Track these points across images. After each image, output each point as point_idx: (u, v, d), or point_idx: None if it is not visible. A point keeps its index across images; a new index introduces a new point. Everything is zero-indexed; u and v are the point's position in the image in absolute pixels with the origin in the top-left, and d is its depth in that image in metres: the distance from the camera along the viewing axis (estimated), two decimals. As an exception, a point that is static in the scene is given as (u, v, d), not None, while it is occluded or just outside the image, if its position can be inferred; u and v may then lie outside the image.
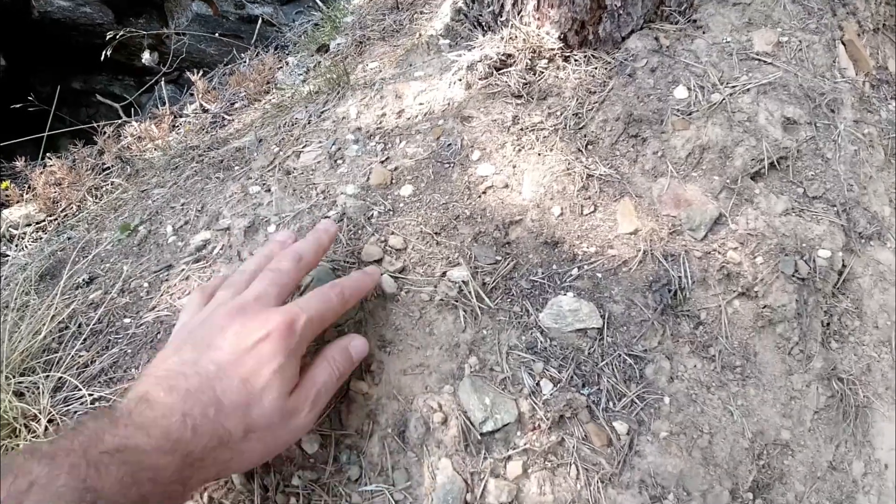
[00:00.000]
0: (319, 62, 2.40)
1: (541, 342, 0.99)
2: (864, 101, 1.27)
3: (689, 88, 1.18)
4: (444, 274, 1.05)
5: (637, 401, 0.96)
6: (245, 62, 3.53)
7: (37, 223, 3.23)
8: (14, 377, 1.08)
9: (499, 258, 1.07)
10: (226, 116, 3.09)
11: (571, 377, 0.97)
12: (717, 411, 0.98)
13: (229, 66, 3.71)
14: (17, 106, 3.34)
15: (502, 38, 1.38)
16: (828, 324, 1.09)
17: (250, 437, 0.72)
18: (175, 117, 3.42)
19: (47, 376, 1.08)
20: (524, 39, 1.35)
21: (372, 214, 1.16)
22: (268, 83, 3.12)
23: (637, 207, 1.09)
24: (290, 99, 2.07)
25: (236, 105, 3.14)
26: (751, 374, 1.00)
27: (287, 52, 3.46)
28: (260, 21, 3.75)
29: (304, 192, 1.29)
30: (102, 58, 2.99)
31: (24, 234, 3.22)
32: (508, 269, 1.06)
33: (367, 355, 0.97)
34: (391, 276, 1.06)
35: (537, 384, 0.96)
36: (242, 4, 4.09)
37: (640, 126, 1.17)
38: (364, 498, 0.91)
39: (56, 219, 3.16)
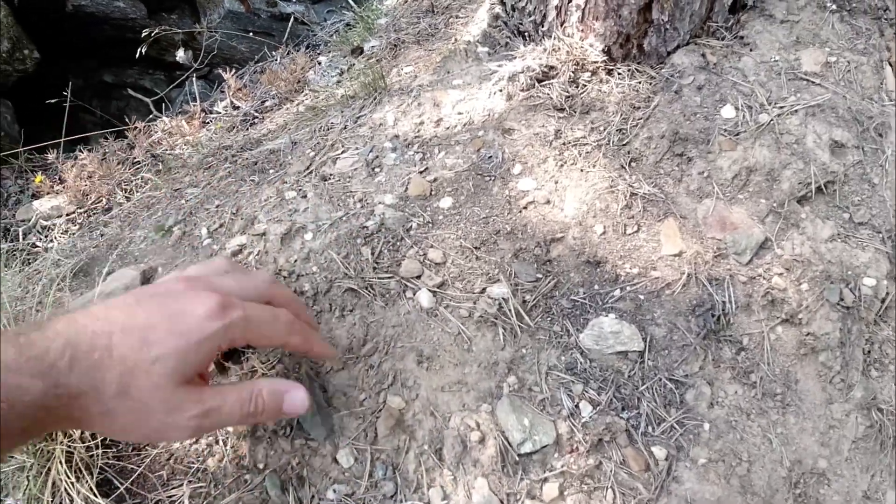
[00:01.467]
0: (353, 64, 2.39)
1: (581, 363, 0.98)
2: (912, 125, 1.25)
3: (736, 108, 1.17)
4: (483, 290, 1.04)
5: (676, 426, 0.94)
6: (277, 60, 3.53)
7: (67, 215, 3.25)
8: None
9: (539, 276, 1.06)
10: (256, 115, 3.10)
11: (611, 400, 0.96)
12: (757, 439, 0.96)
13: (260, 63, 3.72)
14: (52, 101, 3.35)
15: (545, 50, 1.37)
16: (868, 351, 1.07)
17: (123, 402, 0.66)
18: (206, 113, 3.43)
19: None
20: (567, 51, 1.34)
21: (411, 226, 1.15)
22: (299, 82, 3.12)
23: (681, 229, 1.08)
24: (324, 101, 2.07)
25: (267, 103, 3.14)
26: (791, 401, 0.99)
27: (319, 52, 3.46)
28: (292, 19, 3.75)
29: (342, 200, 1.29)
30: (137, 55, 3.00)
31: (55, 225, 3.25)
32: (549, 287, 1.04)
33: (404, 370, 0.97)
34: (430, 290, 1.05)
35: (576, 406, 0.95)
36: (274, 2, 4.09)
37: (685, 145, 1.16)
38: (399, 515, 0.91)
39: (85, 211, 3.19)
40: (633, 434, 0.95)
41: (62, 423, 0.65)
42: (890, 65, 1.31)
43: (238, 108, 3.32)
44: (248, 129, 2.99)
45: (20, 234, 3.22)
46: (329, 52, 3.28)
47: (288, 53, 3.64)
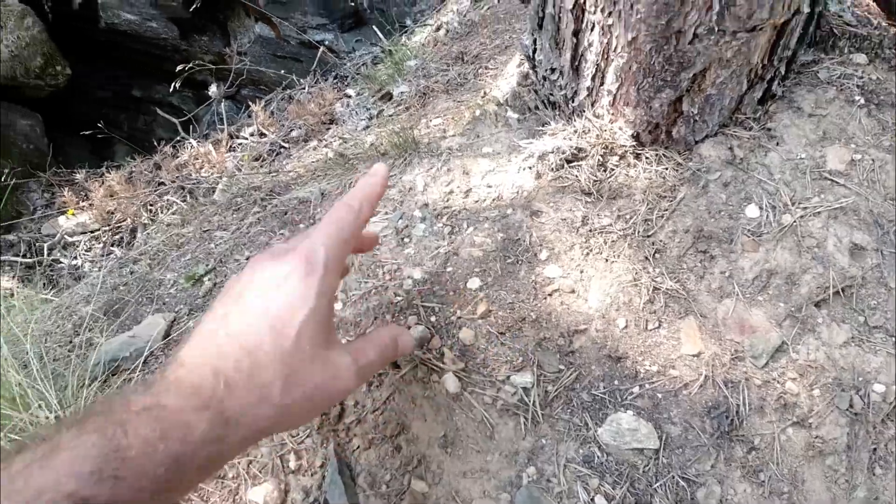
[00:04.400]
0: (382, 110, 2.44)
1: (598, 457, 1.01)
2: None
3: (760, 207, 1.20)
4: (507, 378, 1.08)
5: None
6: (304, 89, 3.59)
7: (91, 232, 3.31)
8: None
9: (562, 367, 1.09)
10: (283, 145, 3.15)
11: (625, 495, 0.99)
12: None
13: (287, 91, 3.78)
14: (86, 133, 3.41)
15: (575, 131, 1.41)
16: (874, 450, 1.10)
17: (292, 390, 0.67)
18: (232, 139, 3.48)
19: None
20: (597, 134, 1.37)
21: (438, 306, 1.19)
22: (326, 114, 3.16)
23: (701, 328, 1.11)
24: (352, 149, 2.11)
25: (293, 133, 3.19)
26: (797, 500, 1.02)
27: (346, 84, 3.52)
28: (321, 49, 3.81)
29: (371, 270, 1.33)
30: (172, 89, 3.06)
31: (79, 241, 3.31)
32: (571, 379, 1.08)
33: (428, 454, 1.00)
34: (456, 375, 1.09)
35: (592, 500, 0.98)
36: (304, 30, 4.15)
37: (709, 242, 1.19)
38: None
39: (110, 229, 3.25)
40: (645, 531, 0.98)
41: (234, 449, 0.65)
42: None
43: (264, 135, 3.37)
44: (274, 160, 3.04)
45: (45, 248, 3.29)
46: (357, 85, 3.34)
47: (316, 82, 3.70)
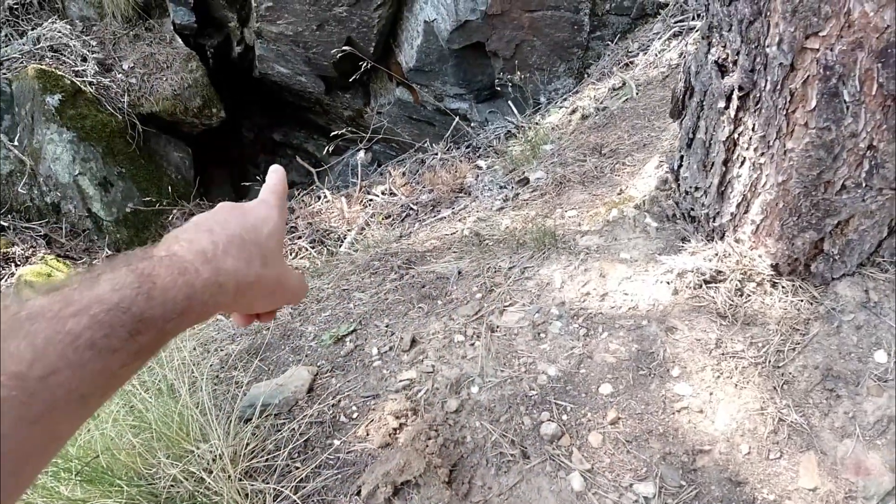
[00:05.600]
0: (518, 193, 2.56)
1: (711, 577, 1.08)
2: None
3: (889, 354, 1.25)
4: (630, 485, 1.16)
5: None
6: (437, 154, 3.75)
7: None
8: (244, 479, 1.25)
9: (683, 483, 1.16)
10: (412, 207, 3.30)
11: None
12: None
13: (419, 153, 3.95)
14: (245, 184, 3.65)
15: (716, 254, 1.49)
16: None
17: (268, 265, 0.78)
18: (365, 194, 3.66)
19: (272, 490, 1.24)
20: (737, 260, 1.45)
21: (571, 406, 1.28)
22: (457, 183, 3.30)
23: (820, 464, 1.17)
24: (487, 228, 2.23)
25: (422, 197, 3.34)
26: None
27: (478, 155, 3.67)
28: (457, 118, 3.98)
29: (507, 359, 1.43)
30: (325, 151, 3.27)
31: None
32: (691, 496, 1.15)
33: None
34: (581, 474, 1.17)
35: None
36: (441, 97, 4.34)
37: (836, 382, 1.25)
38: None
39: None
40: None
41: (228, 297, 0.73)
42: None
43: (394, 195, 3.54)
44: (403, 220, 3.20)
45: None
46: (489, 158, 3.47)
47: (448, 149, 3.86)
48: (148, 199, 4.02)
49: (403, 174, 3.68)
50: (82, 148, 3.86)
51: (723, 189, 1.51)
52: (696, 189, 1.61)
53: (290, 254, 3.35)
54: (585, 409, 1.28)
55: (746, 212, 1.45)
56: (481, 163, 3.43)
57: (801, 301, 1.39)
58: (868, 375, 1.24)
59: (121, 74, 4.19)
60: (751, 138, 1.37)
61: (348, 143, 4.47)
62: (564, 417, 1.27)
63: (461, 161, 3.47)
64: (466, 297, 1.71)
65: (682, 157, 1.69)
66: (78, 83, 3.96)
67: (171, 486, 1.21)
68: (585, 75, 4.10)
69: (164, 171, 4.24)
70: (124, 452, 1.26)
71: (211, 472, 1.22)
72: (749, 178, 1.41)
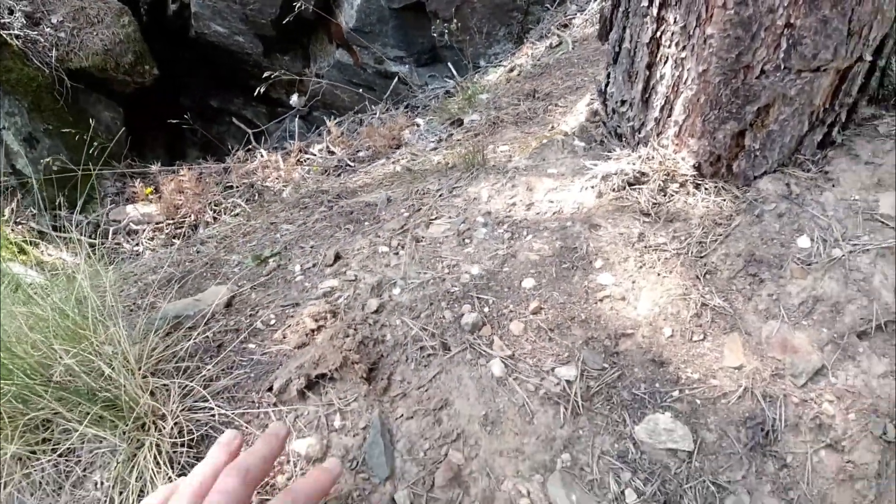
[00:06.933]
0: (451, 134, 2.53)
1: (632, 453, 1.05)
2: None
3: (812, 239, 1.24)
4: (552, 369, 1.13)
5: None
6: (376, 115, 3.70)
7: (156, 223, 3.44)
8: (148, 376, 1.19)
9: (606, 365, 1.14)
10: (350, 163, 3.25)
11: (655, 492, 1.02)
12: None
13: (359, 115, 3.89)
14: (173, 121, 3.57)
15: (640, 157, 1.47)
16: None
17: None
18: (302, 153, 3.59)
19: (179, 385, 1.18)
20: (660, 161, 1.43)
21: (493, 299, 1.25)
22: (394, 139, 3.26)
23: (745, 344, 1.15)
24: (420, 164, 2.19)
25: (361, 153, 3.30)
26: (826, 525, 1.04)
27: (417, 114, 3.63)
28: (396, 79, 3.93)
29: (430, 263, 1.39)
30: (256, 93, 3.19)
31: (143, 230, 3.43)
32: (613, 377, 1.12)
33: (468, 430, 1.05)
34: (503, 361, 1.14)
35: (622, 492, 1.02)
36: (381, 60, 4.29)
37: (759, 267, 1.23)
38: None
39: (174, 223, 3.37)
40: (671, 528, 1.01)
41: None
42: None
43: (333, 153, 3.48)
44: (341, 174, 3.14)
45: (109, 232, 3.41)
46: (427, 116, 3.44)
47: (387, 110, 3.82)
48: (76, 157, 3.87)
49: (342, 133, 3.62)
50: (7, 102, 3.71)
51: (647, 96, 1.50)
52: (623, 103, 1.60)
53: (224, 211, 3.28)
54: (508, 301, 1.25)
55: (670, 115, 1.44)
56: (419, 120, 3.40)
57: (724, 200, 1.38)
58: (791, 259, 1.23)
59: (49, 28, 4.05)
60: (673, 33, 1.35)
61: (287, 109, 4.40)
62: (486, 310, 1.24)
63: (400, 118, 3.42)
64: (394, 216, 1.67)
65: (608, 73, 1.68)
66: (4, 35, 3.82)
67: (70, 378, 1.15)
68: (525, 40, 4.10)
69: (94, 129, 4.11)
70: (21, 347, 1.19)
71: (112, 366, 1.16)
72: (672, 78, 1.39)
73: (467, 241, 1.44)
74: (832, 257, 1.22)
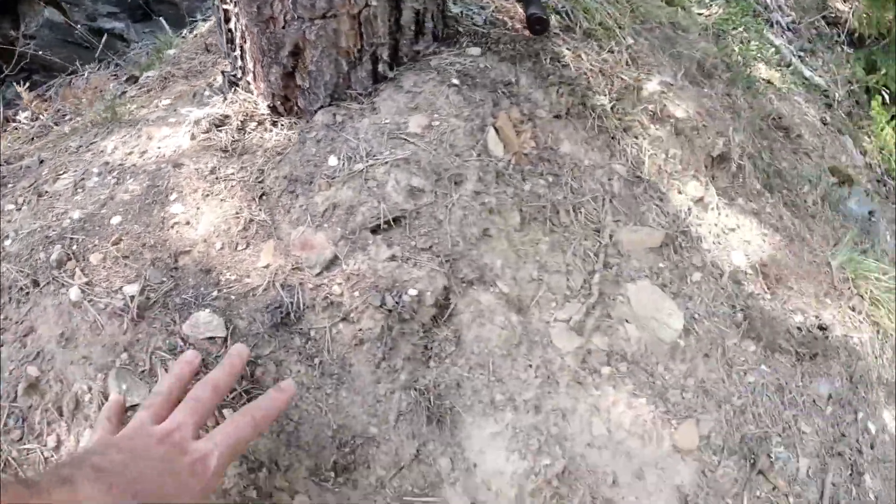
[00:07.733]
0: (125, 92, 2.66)
1: (180, 346, 1.31)
2: (499, 176, 1.63)
3: (339, 158, 1.53)
4: (120, 288, 1.36)
5: (243, 394, 1.28)
6: (84, 75, 3.74)
7: None
8: None
9: (164, 279, 1.38)
10: (54, 127, 3.31)
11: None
12: (310, 407, 1.31)
13: (70, 76, 3.91)
14: None
15: (225, 101, 1.71)
16: (430, 347, 1.43)
17: None
18: (8, 122, 3.59)
19: None
20: (241, 105, 1.68)
21: (82, 238, 1.46)
22: (97, 99, 3.33)
23: (276, 248, 1.43)
24: (81, 126, 2.34)
25: (67, 117, 3.35)
26: (345, 381, 1.34)
27: (124, 72, 3.70)
28: (105, 36, 3.97)
29: (43, 214, 1.58)
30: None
31: None
32: (169, 288, 1.37)
33: (46, 349, 1.28)
34: (80, 287, 1.37)
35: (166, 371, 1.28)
36: (94, 17, 4.29)
37: (297, 184, 1.51)
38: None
39: None
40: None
41: None
42: (495, 128, 1.70)
43: (38, 118, 3.51)
44: (39, 141, 3.20)
45: None
46: (129, 71, 3.52)
47: (99, 69, 3.86)
48: None
49: (49, 97, 3.64)
50: None
51: (233, 49, 1.73)
52: (228, 56, 1.82)
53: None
54: (95, 238, 1.46)
55: (244, 64, 1.68)
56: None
57: (292, 133, 1.65)
58: (320, 176, 1.51)
59: None
60: (229, -9, 1.59)
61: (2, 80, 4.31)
62: (74, 248, 1.45)
63: (95, 79, 3.49)
64: (34, 176, 1.82)
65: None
66: None
67: None
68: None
69: None
70: None
71: None
72: (237, 31, 1.63)
73: (80, 190, 1.64)
74: (353, 171, 1.51)
